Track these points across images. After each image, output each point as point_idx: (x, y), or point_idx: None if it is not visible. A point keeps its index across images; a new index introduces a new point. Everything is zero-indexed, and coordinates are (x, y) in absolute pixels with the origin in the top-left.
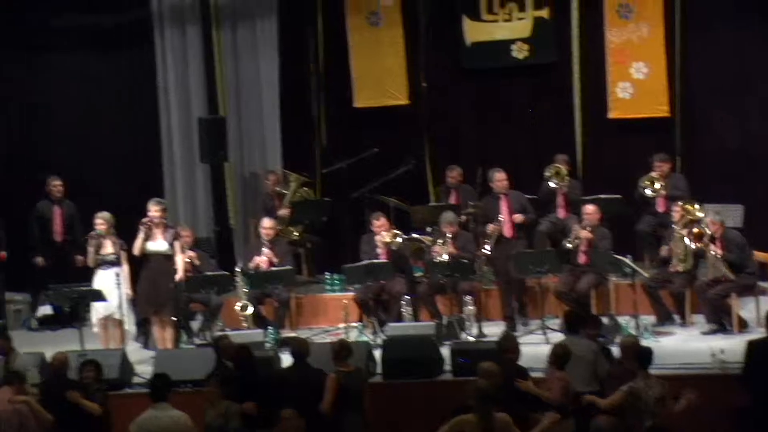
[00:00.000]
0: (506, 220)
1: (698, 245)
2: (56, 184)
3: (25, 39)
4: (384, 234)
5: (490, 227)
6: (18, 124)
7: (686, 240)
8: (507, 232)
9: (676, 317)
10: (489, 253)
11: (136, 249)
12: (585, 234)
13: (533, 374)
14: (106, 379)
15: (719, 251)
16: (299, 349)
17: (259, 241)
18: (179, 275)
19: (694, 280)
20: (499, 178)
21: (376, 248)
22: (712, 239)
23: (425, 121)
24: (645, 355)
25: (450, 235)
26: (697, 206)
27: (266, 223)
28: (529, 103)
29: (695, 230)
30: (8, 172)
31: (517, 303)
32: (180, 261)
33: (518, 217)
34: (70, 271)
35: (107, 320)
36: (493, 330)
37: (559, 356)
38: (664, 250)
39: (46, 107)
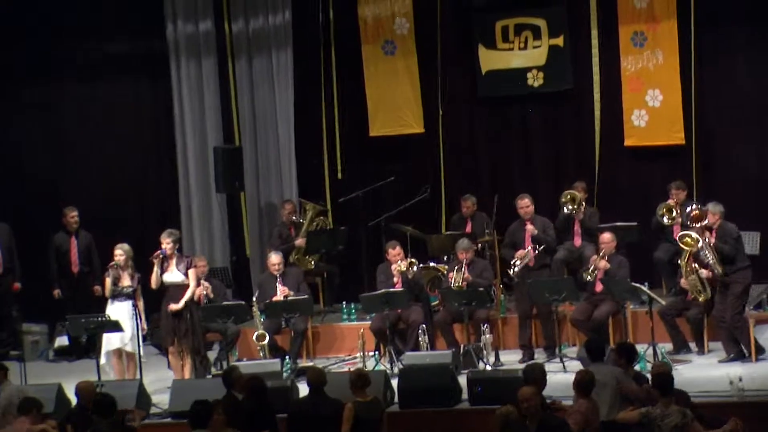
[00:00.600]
0: (529, 246)
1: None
2: (73, 215)
3: (43, 69)
4: (400, 263)
5: (517, 253)
6: (35, 154)
7: (698, 273)
8: (530, 261)
9: (692, 345)
10: (516, 278)
11: (153, 283)
12: (603, 264)
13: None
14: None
15: (712, 239)
16: (316, 379)
17: (271, 276)
18: (182, 300)
19: (712, 307)
20: (521, 205)
21: (393, 277)
22: (708, 228)
23: (440, 150)
24: (664, 382)
25: (465, 262)
26: (694, 236)
27: (274, 258)
28: (545, 132)
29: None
30: (26, 202)
31: (549, 333)
32: (190, 289)
33: (530, 228)
34: (88, 302)
35: (120, 352)
36: (510, 358)
37: (582, 383)
38: (682, 282)
39: (64, 138)
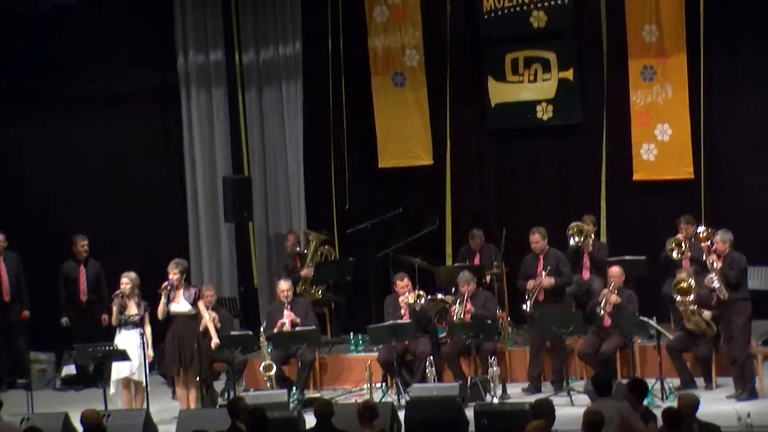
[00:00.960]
0: (539, 281)
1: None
2: (83, 244)
3: (54, 101)
4: (408, 295)
5: (529, 284)
6: (46, 184)
7: (702, 316)
8: (539, 294)
9: (699, 381)
10: (528, 310)
11: (160, 314)
12: (614, 299)
13: None
14: None
15: (719, 264)
16: (323, 409)
17: (280, 303)
18: (213, 337)
19: (719, 343)
20: (532, 240)
21: (400, 308)
22: (717, 255)
23: (448, 181)
24: (672, 419)
25: (467, 294)
26: (686, 281)
27: (283, 285)
28: (554, 166)
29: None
30: (35, 231)
31: (561, 368)
32: (210, 324)
33: (546, 281)
34: (95, 331)
35: (128, 381)
36: (518, 391)
37: (591, 424)
38: (687, 325)
39: (74, 167)
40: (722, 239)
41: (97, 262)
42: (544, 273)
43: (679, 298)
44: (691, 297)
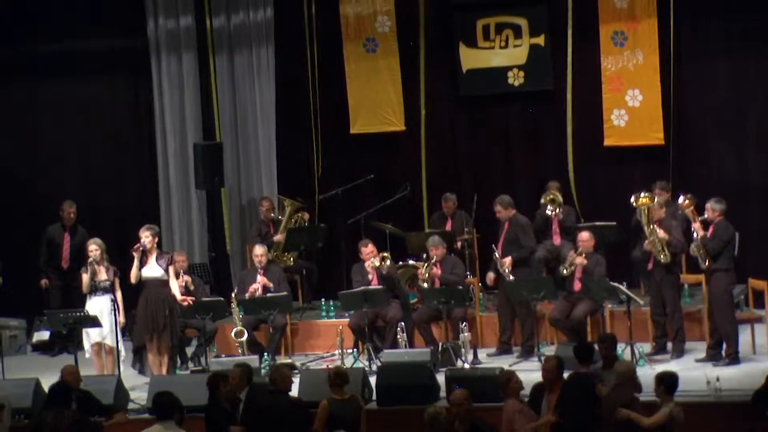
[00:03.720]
0: (499, 248)
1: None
2: (70, 211)
3: (20, 67)
4: (373, 259)
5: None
6: (13, 150)
7: (657, 233)
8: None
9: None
10: (511, 278)
11: (132, 277)
12: (580, 260)
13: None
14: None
15: (701, 232)
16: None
17: (253, 269)
18: (179, 300)
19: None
20: (496, 210)
21: (368, 275)
22: (705, 223)
23: (422, 148)
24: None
25: (435, 258)
26: (644, 195)
27: (258, 250)
28: (526, 131)
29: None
30: (3, 196)
31: (530, 333)
32: (175, 287)
33: (505, 262)
34: (75, 298)
35: (100, 346)
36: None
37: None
38: (646, 245)
39: (43, 133)
40: (713, 207)
41: (84, 231)
42: (498, 254)
43: (643, 215)
44: (655, 213)
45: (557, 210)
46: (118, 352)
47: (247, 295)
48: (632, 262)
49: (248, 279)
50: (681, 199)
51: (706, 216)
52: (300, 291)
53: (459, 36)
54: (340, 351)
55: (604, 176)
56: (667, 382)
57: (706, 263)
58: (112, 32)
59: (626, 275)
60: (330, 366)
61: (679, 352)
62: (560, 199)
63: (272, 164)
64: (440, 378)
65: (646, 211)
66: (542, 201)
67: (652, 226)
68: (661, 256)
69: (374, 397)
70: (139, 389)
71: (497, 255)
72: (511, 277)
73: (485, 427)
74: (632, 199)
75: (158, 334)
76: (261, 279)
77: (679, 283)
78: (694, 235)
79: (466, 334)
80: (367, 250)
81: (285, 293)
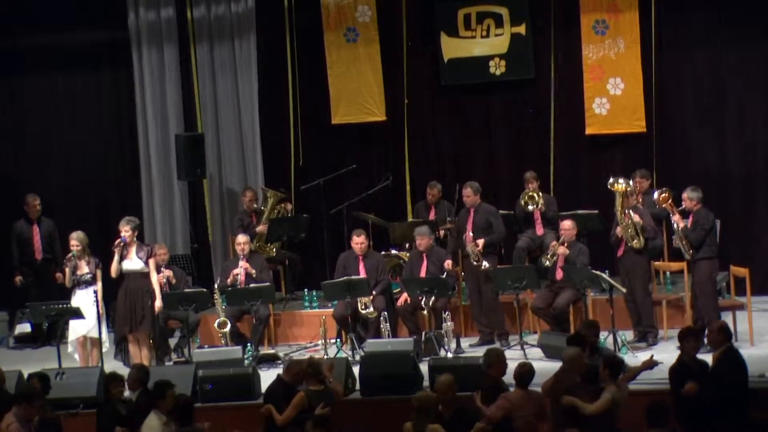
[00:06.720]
0: (467, 236)
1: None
2: (35, 204)
3: (2, 59)
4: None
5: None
6: None
7: (632, 217)
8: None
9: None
10: (488, 267)
11: (113, 272)
12: (562, 250)
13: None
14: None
15: (681, 223)
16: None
17: (236, 258)
18: (157, 298)
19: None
20: (464, 194)
21: (355, 265)
22: (684, 213)
23: (405, 137)
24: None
25: (422, 249)
26: (622, 182)
27: (240, 238)
28: (507, 121)
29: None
30: None
31: (501, 323)
32: (155, 281)
33: (479, 243)
34: (51, 289)
35: (85, 339)
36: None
37: (519, 375)
38: (618, 231)
39: (24, 127)
40: (689, 197)
41: (49, 221)
42: (471, 234)
43: (617, 201)
44: (629, 200)
45: (538, 204)
46: (101, 343)
47: (228, 280)
48: (612, 247)
49: (231, 268)
50: (656, 195)
51: (684, 206)
52: (283, 281)
53: (440, 25)
54: (323, 341)
55: (586, 164)
56: (612, 366)
57: (689, 253)
58: (93, 24)
59: (608, 264)
60: (314, 356)
61: (653, 338)
62: (539, 193)
63: (257, 155)
64: (423, 367)
65: (620, 198)
66: (521, 202)
67: (627, 211)
68: (634, 242)
69: (358, 387)
70: None
71: (468, 237)
72: (485, 263)
73: (470, 411)
74: (610, 181)
75: (137, 326)
76: (243, 263)
77: (649, 270)
78: (674, 226)
79: (448, 323)
80: (359, 240)
81: (268, 283)
